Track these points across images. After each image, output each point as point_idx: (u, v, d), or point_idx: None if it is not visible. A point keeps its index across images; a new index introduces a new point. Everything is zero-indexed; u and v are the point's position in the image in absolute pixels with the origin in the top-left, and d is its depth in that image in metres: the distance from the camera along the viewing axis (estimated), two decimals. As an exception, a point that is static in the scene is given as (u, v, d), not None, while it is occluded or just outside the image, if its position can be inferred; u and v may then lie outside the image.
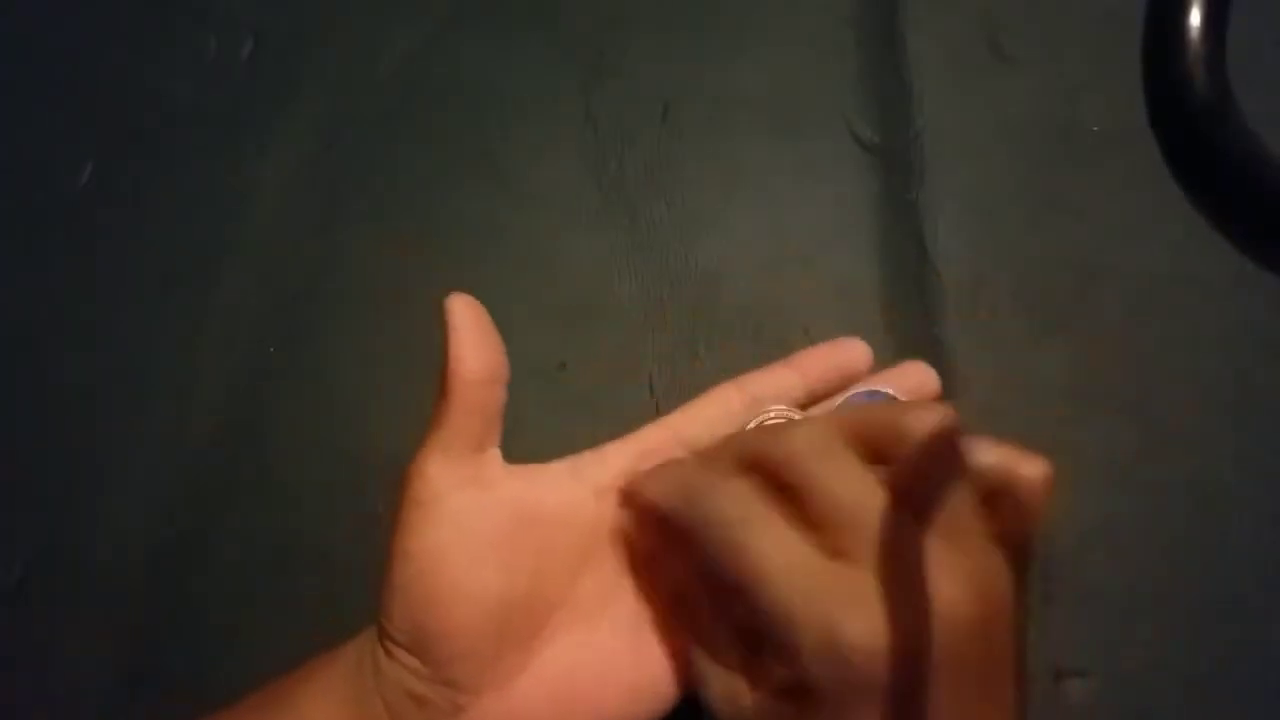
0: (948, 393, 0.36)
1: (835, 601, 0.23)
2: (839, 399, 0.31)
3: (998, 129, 0.40)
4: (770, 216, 0.40)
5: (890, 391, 0.31)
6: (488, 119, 0.42)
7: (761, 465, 0.26)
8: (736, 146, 0.41)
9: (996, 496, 0.25)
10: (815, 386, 0.32)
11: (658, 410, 0.36)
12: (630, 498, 0.30)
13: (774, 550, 0.24)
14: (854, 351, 0.32)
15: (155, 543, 0.37)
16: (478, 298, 0.39)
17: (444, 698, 0.27)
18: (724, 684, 0.26)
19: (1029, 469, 0.25)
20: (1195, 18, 0.38)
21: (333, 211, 0.42)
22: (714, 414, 0.31)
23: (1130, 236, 0.38)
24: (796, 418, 0.30)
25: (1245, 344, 0.36)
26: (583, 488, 0.30)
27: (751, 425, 0.30)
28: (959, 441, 0.24)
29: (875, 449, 0.25)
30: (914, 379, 0.32)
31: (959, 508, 0.24)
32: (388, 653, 0.27)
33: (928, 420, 0.24)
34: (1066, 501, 0.34)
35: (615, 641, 0.29)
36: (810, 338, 0.36)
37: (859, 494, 0.24)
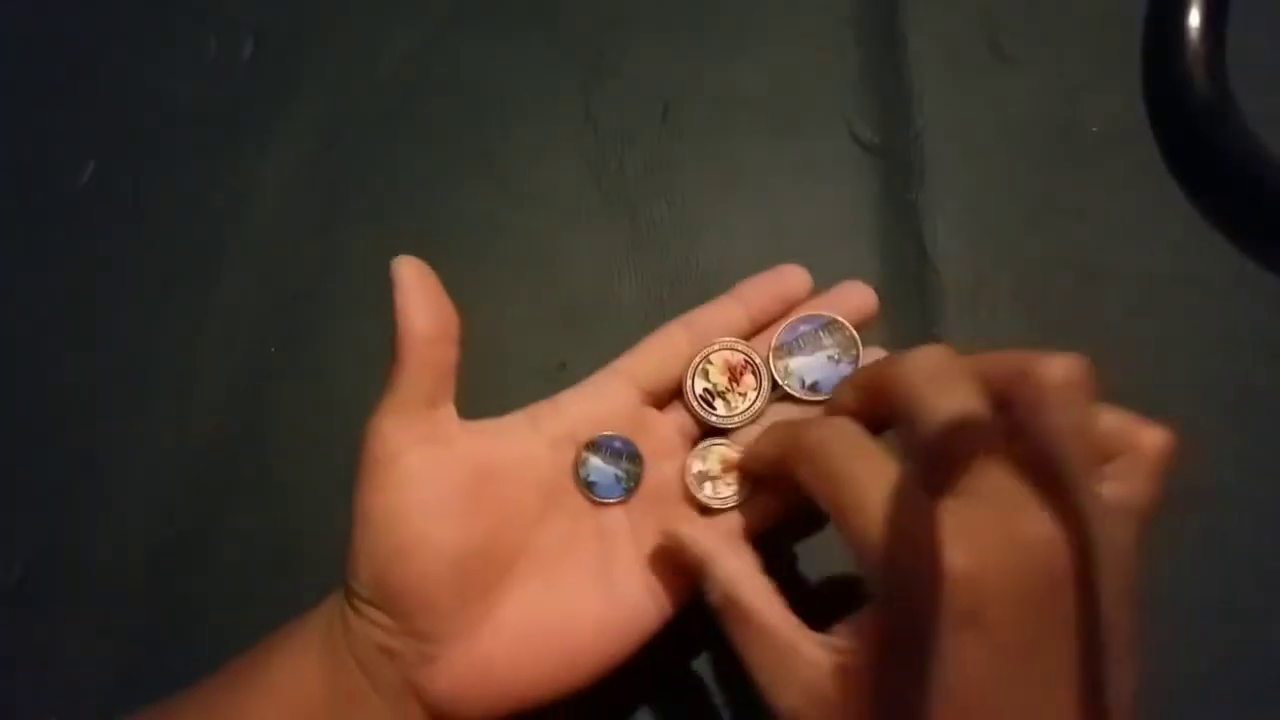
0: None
1: (938, 531, 0.22)
2: (781, 326, 0.32)
3: (998, 129, 0.40)
4: (770, 216, 0.40)
5: (833, 315, 0.31)
6: (488, 119, 0.42)
7: (876, 390, 0.26)
8: (736, 146, 0.41)
9: (1114, 460, 0.24)
10: (758, 316, 0.32)
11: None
12: (747, 463, 0.30)
13: (877, 479, 0.24)
14: (794, 278, 0.32)
15: (155, 543, 0.37)
16: (478, 298, 0.40)
17: (412, 649, 0.28)
18: (787, 663, 0.25)
19: (1149, 435, 0.25)
20: (1195, 18, 0.38)
21: (333, 211, 0.42)
22: (662, 352, 0.32)
23: (1130, 236, 0.38)
24: (741, 348, 0.31)
25: (1245, 344, 0.36)
26: (539, 438, 0.31)
27: (698, 358, 0.31)
28: (1087, 398, 0.23)
29: (998, 387, 0.24)
30: (854, 300, 0.32)
31: (1077, 464, 0.23)
32: (355, 609, 0.28)
33: (1060, 369, 0.23)
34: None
35: (582, 582, 0.29)
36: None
37: (972, 424, 0.23)
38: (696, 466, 0.31)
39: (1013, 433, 0.24)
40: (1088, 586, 0.22)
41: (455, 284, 0.40)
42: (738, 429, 0.31)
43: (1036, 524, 0.22)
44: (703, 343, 0.32)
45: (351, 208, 0.42)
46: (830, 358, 0.31)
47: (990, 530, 0.22)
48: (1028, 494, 0.23)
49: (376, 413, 0.29)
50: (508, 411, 0.32)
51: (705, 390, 0.31)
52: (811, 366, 0.31)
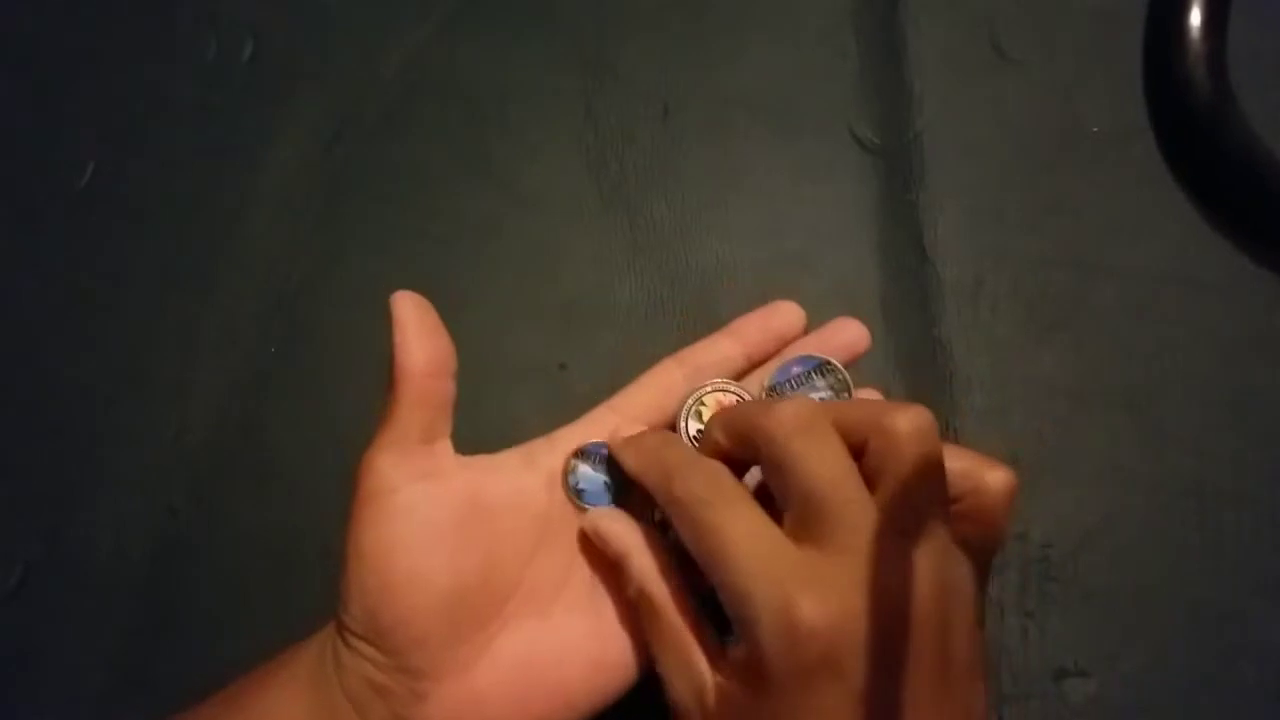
0: (948, 393, 0.36)
1: (795, 582, 0.23)
2: (774, 365, 0.32)
3: (998, 129, 0.40)
4: (770, 217, 0.40)
5: (825, 358, 0.31)
6: (488, 119, 0.42)
7: (746, 438, 0.27)
8: (736, 146, 0.41)
9: (961, 500, 0.26)
10: (753, 353, 0.32)
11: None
12: (613, 454, 0.30)
13: (741, 530, 0.25)
14: (789, 315, 0.33)
15: (155, 543, 0.37)
16: (478, 298, 0.40)
17: (403, 686, 0.27)
18: (684, 664, 0.26)
19: (994, 477, 0.26)
20: (1196, 18, 0.38)
21: (333, 211, 0.42)
22: (657, 389, 0.32)
23: (1130, 236, 0.38)
24: (733, 389, 0.31)
25: (1245, 344, 0.36)
26: (535, 475, 0.31)
27: (690, 400, 0.31)
28: (935, 445, 0.25)
29: (855, 439, 0.26)
30: (846, 337, 0.33)
31: (927, 507, 0.25)
32: (347, 644, 0.28)
33: (909, 420, 0.25)
34: (1066, 501, 0.34)
35: (573, 622, 0.29)
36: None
37: (836, 477, 0.25)
38: (694, 427, 0.31)
39: (869, 479, 0.25)
40: (938, 624, 0.24)
41: (455, 284, 0.40)
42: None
43: (890, 570, 0.24)
44: (697, 379, 0.32)
45: (351, 208, 0.42)
46: (822, 400, 0.31)
47: (847, 579, 0.23)
48: (884, 539, 0.24)
49: (371, 447, 0.28)
50: (507, 412, 0.32)
51: (699, 432, 0.31)
52: (591, 478, 0.31)
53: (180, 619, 0.37)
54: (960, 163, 0.39)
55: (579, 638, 0.29)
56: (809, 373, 0.31)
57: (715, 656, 0.26)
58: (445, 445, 0.30)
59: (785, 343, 0.33)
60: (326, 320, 0.40)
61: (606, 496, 0.31)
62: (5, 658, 0.36)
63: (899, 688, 0.23)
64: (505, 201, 0.41)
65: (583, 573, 0.30)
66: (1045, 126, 0.40)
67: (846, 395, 0.31)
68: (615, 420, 0.32)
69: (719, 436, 0.28)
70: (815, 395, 0.31)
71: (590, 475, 0.31)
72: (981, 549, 0.26)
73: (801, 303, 0.33)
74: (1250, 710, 0.33)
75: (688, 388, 0.32)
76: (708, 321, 0.38)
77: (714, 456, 0.28)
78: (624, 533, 0.29)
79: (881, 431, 0.25)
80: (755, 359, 0.33)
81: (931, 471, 0.25)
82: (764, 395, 0.31)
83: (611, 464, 0.31)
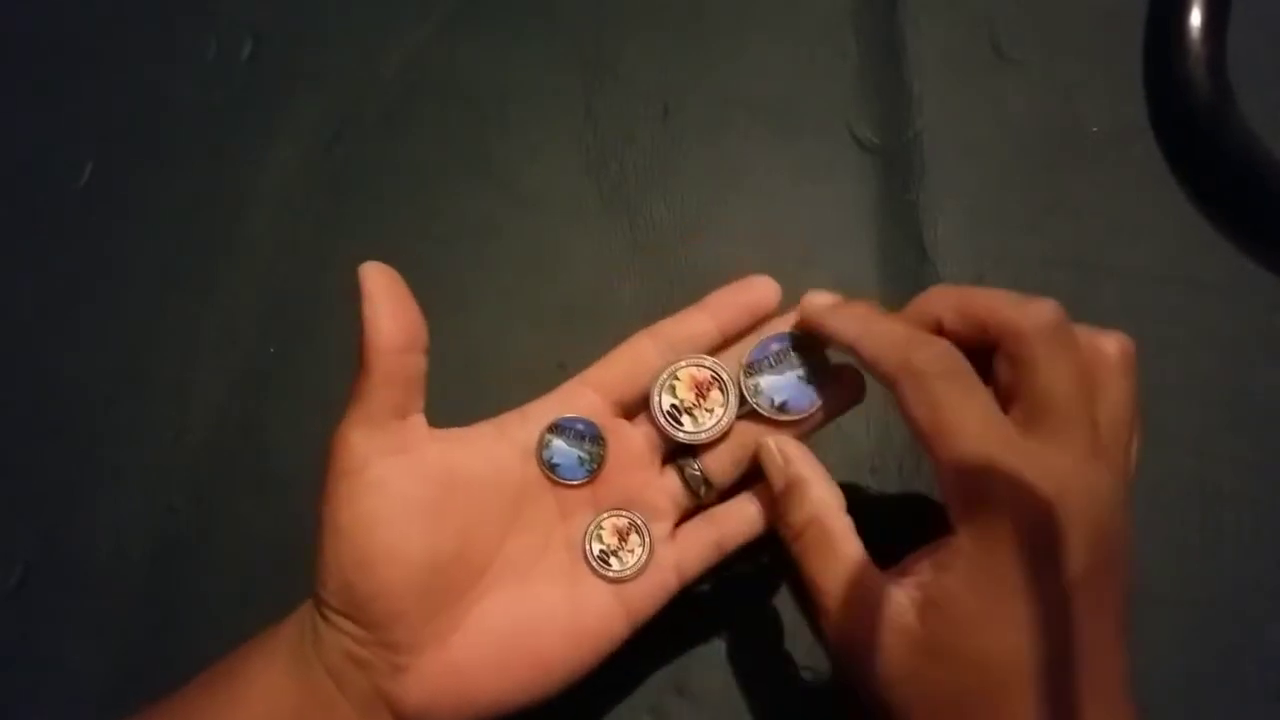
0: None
1: (1027, 460, 0.25)
2: (752, 341, 0.31)
3: (997, 129, 0.40)
4: (770, 217, 0.40)
5: (804, 334, 0.31)
6: (488, 119, 0.42)
7: (984, 325, 0.27)
8: (736, 146, 0.41)
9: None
10: (726, 327, 0.32)
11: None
12: (823, 328, 0.30)
13: (979, 408, 0.26)
14: (763, 289, 0.32)
15: (155, 542, 0.37)
16: (478, 298, 0.40)
17: (383, 658, 0.28)
18: (861, 591, 0.26)
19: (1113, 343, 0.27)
20: (1196, 18, 0.38)
21: (332, 212, 0.42)
22: (630, 363, 0.32)
23: (1130, 236, 0.38)
24: (707, 364, 0.31)
25: (1245, 344, 0.36)
26: (509, 448, 0.31)
27: (664, 374, 0.31)
28: (1135, 374, 0.27)
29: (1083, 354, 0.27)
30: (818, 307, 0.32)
31: (1130, 431, 0.27)
32: (325, 619, 0.28)
33: (1119, 348, 0.27)
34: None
35: (551, 590, 0.30)
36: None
37: (1075, 390, 0.26)
38: (667, 402, 0.31)
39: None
40: (1124, 526, 0.25)
41: (455, 284, 0.40)
42: (705, 445, 0.31)
43: (1103, 474, 0.25)
44: (671, 354, 0.31)
45: (351, 208, 0.42)
46: (800, 377, 0.31)
47: (1071, 473, 0.25)
48: (1097, 445, 0.25)
49: (343, 424, 0.28)
50: (507, 411, 0.32)
51: (672, 406, 0.31)
52: (781, 386, 0.31)
53: (180, 619, 0.37)
54: (960, 163, 0.39)
55: (557, 606, 0.29)
56: (788, 349, 0.31)
57: (899, 584, 0.26)
58: (418, 419, 0.30)
59: (759, 318, 0.32)
60: (326, 320, 0.40)
61: (581, 471, 0.31)
62: (5, 658, 0.36)
63: (1102, 583, 0.25)
64: (505, 201, 0.41)
65: (560, 544, 0.31)
66: (1045, 126, 0.40)
67: (827, 374, 0.31)
68: (588, 394, 0.32)
69: (943, 313, 0.28)
70: (793, 373, 0.31)
71: (564, 450, 0.31)
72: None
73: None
74: (1250, 710, 0.33)
75: (661, 362, 0.31)
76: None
77: (922, 328, 0.28)
78: (805, 458, 0.29)
79: (1101, 361, 0.27)
80: (729, 333, 0.32)
81: (1133, 398, 0.27)
82: (741, 373, 0.31)
83: (585, 439, 0.31)
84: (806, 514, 0.28)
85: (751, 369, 0.31)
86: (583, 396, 0.31)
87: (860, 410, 0.31)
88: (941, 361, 0.26)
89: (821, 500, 0.28)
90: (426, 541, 0.28)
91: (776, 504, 0.29)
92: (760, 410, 0.30)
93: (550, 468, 0.31)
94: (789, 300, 0.32)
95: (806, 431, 0.31)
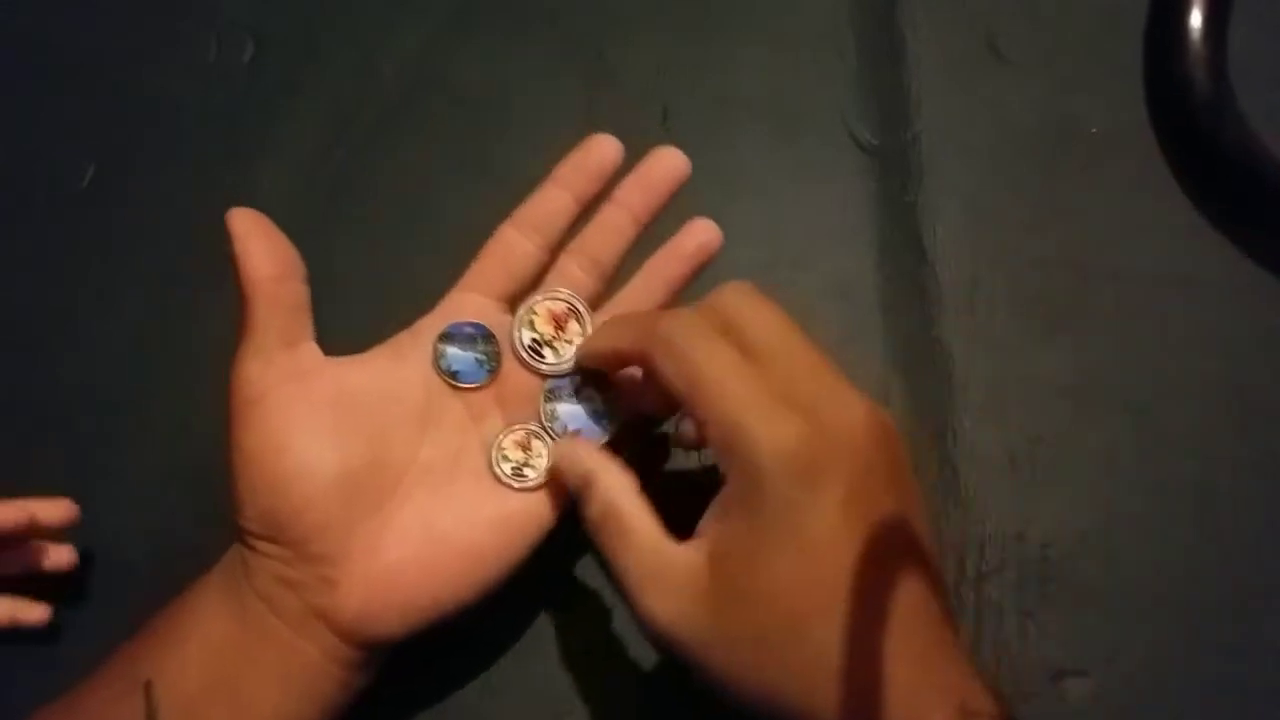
0: (947, 393, 0.36)
1: (774, 407, 0.26)
2: (549, 380, 0.32)
3: (996, 130, 0.40)
4: (769, 217, 0.40)
5: (606, 374, 0.32)
6: (488, 119, 0.42)
7: (636, 358, 0.29)
8: (736, 148, 0.41)
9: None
10: (581, 195, 0.33)
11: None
12: (587, 357, 0.31)
13: (724, 364, 0.27)
14: (603, 148, 0.33)
15: (155, 542, 0.37)
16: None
17: (312, 575, 0.28)
18: (660, 565, 0.27)
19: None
20: (1196, 18, 0.38)
21: (333, 212, 0.42)
22: (502, 258, 0.33)
23: (1130, 237, 0.38)
24: (564, 295, 0.32)
25: (1245, 344, 0.36)
26: (406, 366, 0.31)
27: (522, 309, 0.32)
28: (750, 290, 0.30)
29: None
30: (700, 238, 0.34)
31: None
32: (250, 547, 0.29)
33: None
34: (1065, 501, 0.34)
35: (475, 487, 0.30)
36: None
37: (784, 334, 0.28)
38: (527, 337, 0.32)
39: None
40: (889, 447, 0.27)
41: (455, 284, 0.40)
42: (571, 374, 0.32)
43: (851, 409, 0.27)
44: (537, 236, 0.32)
45: (351, 209, 0.42)
46: (594, 410, 0.32)
47: (818, 404, 0.26)
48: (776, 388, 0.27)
49: (237, 358, 0.30)
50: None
51: (533, 341, 0.32)
52: (575, 414, 0.32)
53: (180, 619, 0.37)
54: (959, 163, 0.39)
55: (479, 502, 0.30)
56: (584, 383, 0.32)
57: (691, 549, 0.27)
58: (310, 347, 0.31)
59: (607, 176, 0.33)
60: (326, 320, 0.40)
61: (482, 372, 0.31)
62: (7, 655, 0.36)
63: (860, 482, 0.26)
64: (505, 202, 0.41)
65: (476, 445, 0.31)
66: (1045, 127, 0.40)
67: (619, 416, 0.32)
68: (471, 298, 0.32)
69: (611, 353, 0.31)
70: (587, 405, 0.32)
71: (460, 355, 0.31)
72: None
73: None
74: (1251, 711, 0.33)
75: (530, 246, 0.32)
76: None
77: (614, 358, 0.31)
78: (584, 456, 0.29)
79: (728, 311, 0.29)
80: (585, 200, 0.33)
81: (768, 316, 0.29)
82: (542, 397, 0.32)
83: (477, 340, 0.31)
84: (601, 503, 0.28)
85: (551, 395, 0.32)
86: (467, 301, 0.32)
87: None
88: (683, 325, 0.28)
89: (610, 487, 0.28)
90: (336, 456, 0.29)
91: (578, 505, 0.30)
92: (554, 436, 0.32)
93: (451, 375, 0.31)
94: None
95: None
